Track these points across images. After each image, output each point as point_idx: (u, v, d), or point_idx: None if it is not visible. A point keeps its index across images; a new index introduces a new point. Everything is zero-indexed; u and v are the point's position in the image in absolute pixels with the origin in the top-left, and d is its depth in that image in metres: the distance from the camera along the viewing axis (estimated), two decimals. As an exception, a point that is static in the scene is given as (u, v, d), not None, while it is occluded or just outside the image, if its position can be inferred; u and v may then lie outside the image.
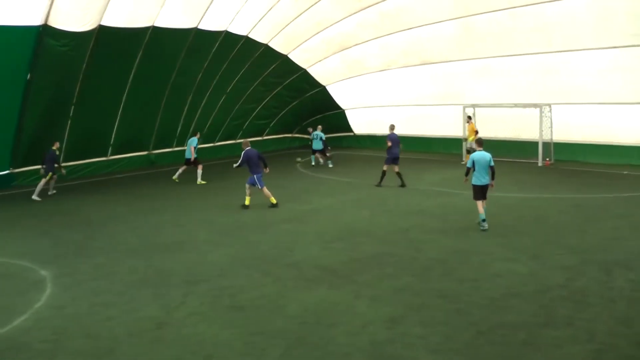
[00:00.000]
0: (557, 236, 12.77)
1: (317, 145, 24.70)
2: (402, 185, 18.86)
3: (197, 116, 26.76)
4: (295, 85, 30.16)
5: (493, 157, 13.32)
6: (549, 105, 23.14)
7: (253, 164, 16.40)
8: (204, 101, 26.46)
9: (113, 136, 23.66)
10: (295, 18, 25.41)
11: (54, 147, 19.00)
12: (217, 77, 25.93)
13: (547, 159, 23.38)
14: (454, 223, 14.26)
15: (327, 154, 25.01)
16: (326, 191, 19.11)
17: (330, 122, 30.85)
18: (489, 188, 13.41)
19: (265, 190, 16.44)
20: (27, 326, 8.54)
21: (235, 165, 17.01)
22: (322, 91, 30.86)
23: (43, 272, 11.03)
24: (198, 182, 20.89)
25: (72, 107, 21.22)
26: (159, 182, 20.28)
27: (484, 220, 13.39)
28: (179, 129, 26.45)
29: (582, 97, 22.60)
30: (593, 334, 7.85)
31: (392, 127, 19.46)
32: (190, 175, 21.25)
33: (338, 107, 31.50)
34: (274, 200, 16.50)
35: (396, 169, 18.92)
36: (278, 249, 12.40)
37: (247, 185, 16.65)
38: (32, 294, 9.90)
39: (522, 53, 23.35)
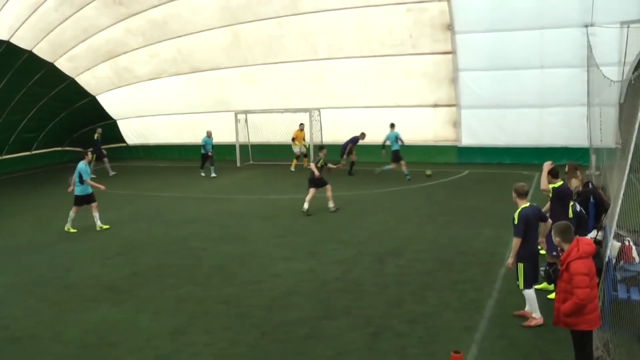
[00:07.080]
0: (332, 232, 13.36)
1: None
2: None
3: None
4: (64, 95, 27.75)
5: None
6: (318, 109, 24.29)
7: None
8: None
9: None
10: (60, 24, 23.34)
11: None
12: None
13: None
14: (231, 229, 14.28)
15: None
16: (101, 205, 17.77)
17: (102, 133, 28.95)
18: None
19: None
20: None
21: None
22: (92, 101, 28.86)
23: None
24: None
25: None
26: None
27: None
28: None
29: (348, 102, 24.15)
30: (369, 318, 8.31)
31: None
32: None
33: (109, 118, 29.76)
34: None
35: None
36: (54, 271, 11.41)
37: None
38: None
39: (291, 60, 24.20)
